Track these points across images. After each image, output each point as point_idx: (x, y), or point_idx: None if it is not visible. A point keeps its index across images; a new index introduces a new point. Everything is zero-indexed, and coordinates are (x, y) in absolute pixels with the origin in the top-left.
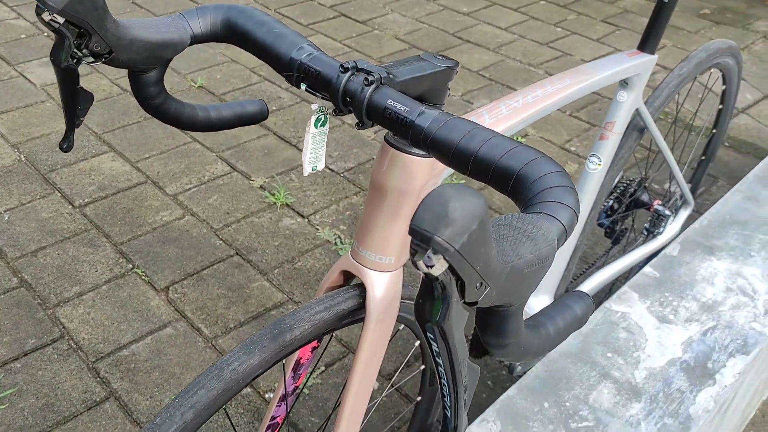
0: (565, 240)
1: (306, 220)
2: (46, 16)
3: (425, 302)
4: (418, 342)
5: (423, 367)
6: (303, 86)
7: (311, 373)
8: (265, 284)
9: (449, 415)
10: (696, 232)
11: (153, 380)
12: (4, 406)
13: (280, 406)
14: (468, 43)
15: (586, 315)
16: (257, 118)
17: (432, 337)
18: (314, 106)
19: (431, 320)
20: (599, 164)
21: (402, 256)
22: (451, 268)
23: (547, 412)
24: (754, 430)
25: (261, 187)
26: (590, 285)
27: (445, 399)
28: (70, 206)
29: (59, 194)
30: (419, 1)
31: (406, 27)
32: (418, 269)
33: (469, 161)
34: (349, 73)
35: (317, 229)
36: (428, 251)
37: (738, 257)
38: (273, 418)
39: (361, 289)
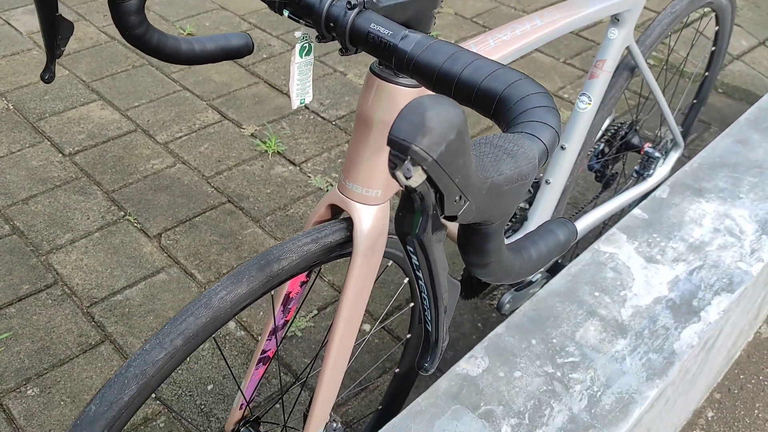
0: (546, 160)
1: (298, 167)
2: None
3: (405, 215)
4: (407, 280)
5: (412, 304)
6: (286, 13)
7: (299, 310)
8: (257, 231)
9: (430, 329)
10: (686, 174)
11: (147, 324)
12: (1, 349)
13: (270, 340)
14: None
15: (569, 240)
16: (242, 51)
17: (412, 250)
18: (298, 34)
19: (411, 233)
20: (589, 103)
21: (389, 189)
22: (429, 179)
23: (535, 348)
24: (739, 369)
25: (252, 135)
26: (579, 227)
27: (426, 313)
28: (60, 154)
29: (48, 143)
30: None
31: None
32: (397, 181)
33: (452, 84)
34: None
35: (309, 177)
36: (406, 161)
37: (727, 199)
38: (264, 352)
39: (349, 222)
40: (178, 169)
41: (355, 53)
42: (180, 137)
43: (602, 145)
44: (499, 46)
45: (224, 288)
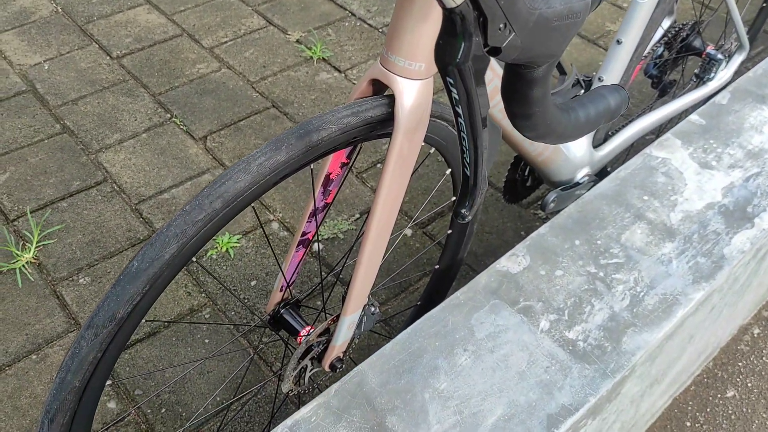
0: (600, 2)
1: (343, 74)
2: None
3: (446, 41)
4: (450, 170)
5: (454, 198)
6: None
7: (342, 185)
8: None
9: (468, 172)
10: (749, 80)
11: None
12: (53, 241)
13: (310, 222)
14: None
15: (619, 107)
16: None
17: (452, 82)
18: None
19: (451, 61)
20: None
21: (433, 64)
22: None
23: (578, 249)
24: None
25: (297, 41)
26: (634, 129)
27: (465, 156)
28: (108, 57)
29: (96, 45)
30: None
31: None
32: (438, 1)
33: None
34: None
35: (354, 84)
36: None
37: None
38: (304, 234)
39: (391, 99)
40: (224, 74)
41: None
42: (225, 42)
43: (661, 49)
44: None
45: (263, 154)
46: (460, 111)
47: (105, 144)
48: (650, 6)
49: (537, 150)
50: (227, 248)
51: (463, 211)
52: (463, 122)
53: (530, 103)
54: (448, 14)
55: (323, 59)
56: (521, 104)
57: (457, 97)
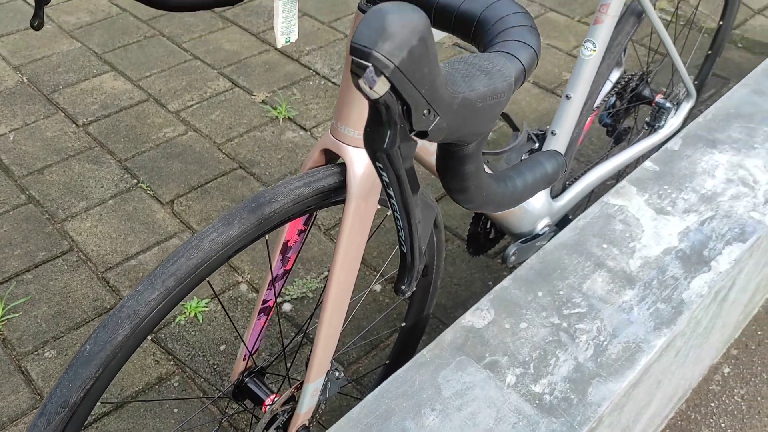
0: (524, 80)
1: (308, 132)
2: None
3: (372, 129)
4: None
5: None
6: None
7: (298, 257)
8: None
9: (405, 250)
10: (699, 126)
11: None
12: (18, 314)
13: (270, 290)
14: None
15: (557, 172)
16: None
17: (381, 167)
18: None
19: (379, 148)
20: (594, 50)
21: None
22: (393, 89)
23: (541, 300)
24: (756, 325)
25: (263, 101)
26: (590, 179)
27: (400, 234)
28: (74, 125)
29: (63, 114)
30: None
31: None
32: (361, 92)
33: (431, 11)
34: None
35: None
36: (368, 69)
37: (741, 149)
38: (264, 302)
39: (343, 168)
40: (190, 137)
41: None
42: (191, 105)
43: (613, 98)
44: None
45: (215, 230)
46: (391, 193)
47: (71, 212)
48: (595, 62)
49: None
50: (195, 313)
51: (402, 287)
52: (395, 203)
53: (464, 178)
54: (373, 104)
55: (289, 118)
56: (455, 179)
57: (387, 180)
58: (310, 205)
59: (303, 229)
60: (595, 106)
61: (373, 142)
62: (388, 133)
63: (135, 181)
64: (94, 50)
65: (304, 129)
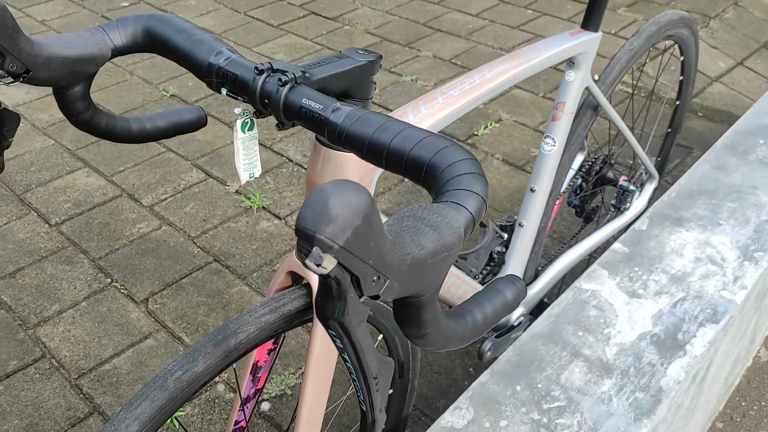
0: (473, 227)
1: (283, 221)
2: None
3: (323, 300)
4: (381, 336)
5: (390, 358)
6: (224, 91)
7: (269, 376)
8: (244, 288)
9: (365, 409)
10: (664, 204)
11: (136, 393)
12: None
13: (242, 410)
14: (439, 32)
15: (517, 299)
16: (195, 125)
17: (334, 334)
18: (237, 110)
19: (331, 317)
20: (554, 145)
21: None
22: (340, 264)
23: (520, 395)
24: (740, 396)
25: (237, 191)
26: (562, 264)
27: (359, 394)
28: (47, 225)
29: (35, 214)
30: None
31: (377, 20)
32: (308, 269)
33: (382, 154)
34: (264, 75)
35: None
36: (314, 250)
37: (707, 227)
38: (237, 422)
39: (308, 288)
40: (164, 231)
41: (292, 126)
42: (165, 199)
43: (579, 181)
44: (447, 102)
45: (180, 368)
46: (346, 357)
47: (44, 317)
48: (556, 156)
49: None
50: (171, 419)
51: None
52: (350, 366)
53: (422, 325)
54: (323, 279)
55: (263, 207)
56: (413, 327)
57: (341, 345)
58: (277, 329)
59: (273, 348)
60: (563, 190)
61: (324, 311)
62: (339, 303)
63: (109, 280)
64: (67, 147)
65: (279, 218)
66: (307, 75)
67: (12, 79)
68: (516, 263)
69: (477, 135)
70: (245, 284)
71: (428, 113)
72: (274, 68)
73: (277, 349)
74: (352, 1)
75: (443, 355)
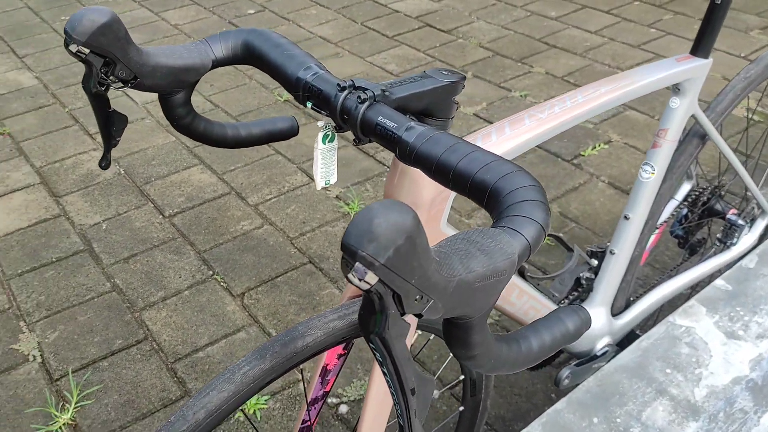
0: (529, 255)
1: None
2: (74, 48)
3: (366, 314)
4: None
5: (463, 377)
6: (309, 104)
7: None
8: (334, 291)
9: (402, 422)
10: None
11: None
12: (90, 401)
13: (310, 411)
14: (554, 48)
15: (579, 330)
16: (287, 134)
17: (374, 347)
18: (320, 124)
19: (372, 331)
20: (652, 173)
21: None
22: (381, 281)
23: (596, 427)
24: None
25: (337, 197)
26: (657, 296)
27: (397, 407)
28: (161, 216)
29: (152, 205)
30: (506, 8)
31: (491, 34)
32: (351, 283)
33: (449, 174)
34: (346, 92)
35: None
36: (356, 265)
37: None
38: (304, 422)
39: None
40: (265, 230)
41: (369, 143)
42: (270, 199)
43: (685, 210)
44: (533, 125)
45: (248, 363)
46: (385, 370)
47: (149, 302)
48: (654, 184)
49: None
50: (254, 410)
51: None
52: (389, 379)
53: (470, 347)
54: (366, 293)
55: None
56: (461, 348)
57: (380, 358)
58: (345, 336)
59: (343, 353)
60: (663, 220)
61: (367, 325)
62: (380, 318)
63: (210, 272)
64: (186, 144)
65: None
66: (386, 93)
67: (122, 84)
68: (605, 291)
69: (583, 155)
70: (336, 288)
71: (512, 135)
72: (356, 86)
73: (347, 354)
74: (468, 15)
75: (525, 378)
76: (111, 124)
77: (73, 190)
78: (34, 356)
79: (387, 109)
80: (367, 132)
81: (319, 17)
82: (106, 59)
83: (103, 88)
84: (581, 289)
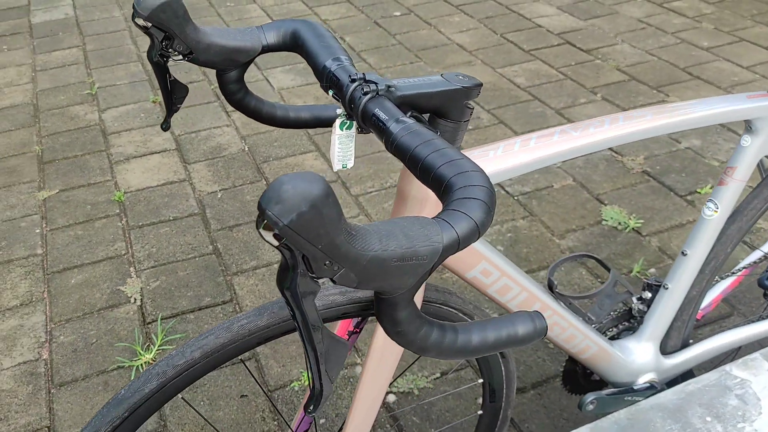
0: (458, 248)
1: None
2: (139, 21)
3: (281, 270)
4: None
5: (481, 380)
6: (330, 92)
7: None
8: None
9: (312, 377)
10: None
11: (289, 352)
12: (171, 347)
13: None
14: (697, 80)
15: (528, 337)
16: (333, 122)
17: (286, 301)
18: (339, 111)
19: (283, 285)
20: (715, 211)
21: None
22: (285, 242)
23: None
24: None
25: None
26: (720, 342)
27: (307, 363)
28: None
29: (264, 182)
30: (656, 33)
31: (633, 58)
32: (262, 238)
33: (418, 165)
34: (355, 84)
35: None
36: (263, 222)
37: None
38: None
39: None
40: (359, 221)
41: (369, 132)
42: (370, 192)
43: None
44: (561, 141)
45: (246, 318)
46: (295, 324)
47: (242, 268)
48: (717, 223)
49: (577, 347)
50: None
51: (309, 409)
52: (299, 333)
53: (396, 322)
54: (278, 249)
55: None
56: (388, 322)
57: (291, 312)
58: (346, 312)
59: (353, 330)
60: (743, 266)
61: (279, 279)
62: (291, 274)
63: None
64: (307, 131)
65: None
66: (391, 89)
67: (180, 57)
68: (654, 326)
69: (699, 193)
70: None
71: (536, 147)
72: (366, 79)
73: (358, 333)
74: (613, 36)
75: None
76: (173, 92)
77: (201, 159)
78: (135, 299)
79: (387, 103)
80: (366, 122)
81: (461, 25)
82: (166, 33)
83: (164, 60)
84: (632, 320)
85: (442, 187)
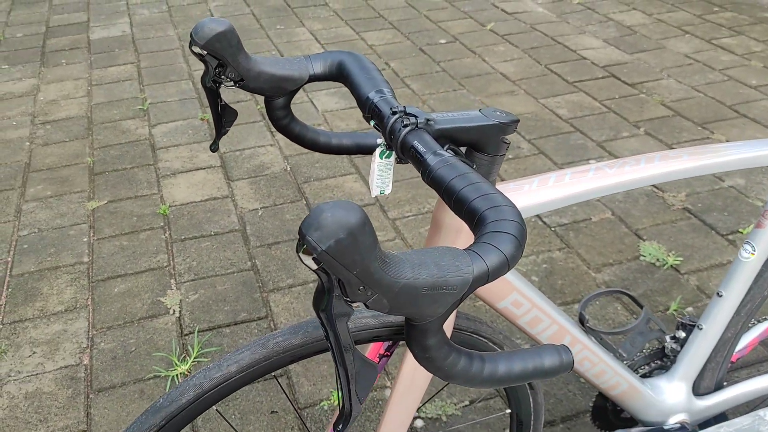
0: (488, 280)
1: None
2: (195, 49)
3: (318, 292)
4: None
5: (509, 411)
6: (372, 123)
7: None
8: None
9: (342, 398)
10: None
11: (320, 371)
12: (207, 360)
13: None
14: (743, 118)
15: (554, 370)
16: (373, 149)
17: (321, 323)
18: (379, 141)
19: (318, 307)
20: (752, 253)
21: None
22: (323, 266)
23: None
24: None
25: None
26: (756, 386)
27: (338, 381)
28: (307, 212)
29: (305, 202)
30: (703, 69)
31: (678, 94)
32: (302, 262)
33: (453, 197)
34: (396, 116)
35: None
36: (303, 247)
37: None
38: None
39: None
40: (395, 244)
41: (408, 163)
42: (407, 216)
43: None
44: (596, 178)
45: (282, 335)
46: (329, 345)
47: (278, 286)
48: (754, 266)
49: (607, 383)
50: (338, 401)
51: (338, 428)
52: (331, 354)
53: (425, 348)
54: (317, 274)
55: None
56: (416, 347)
57: (325, 333)
58: (378, 335)
59: (384, 353)
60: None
61: (315, 301)
62: (326, 297)
63: None
64: None
65: None
66: (430, 122)
67: (232, 84)
68: (687, 366)
69: (741, 233)
70: None
71: (570, 182)
72: (407, 112)
73: (389, 356)
74: (659, 71)
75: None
76: (222, 116)
77: (244, 177)
78: (174, 311)
79: (426, 136)
80: (405, 153)
81: (505, 54)
82: (220, 61)
83: (216, 85)
84: (666, 359)
85: (475, 219)
